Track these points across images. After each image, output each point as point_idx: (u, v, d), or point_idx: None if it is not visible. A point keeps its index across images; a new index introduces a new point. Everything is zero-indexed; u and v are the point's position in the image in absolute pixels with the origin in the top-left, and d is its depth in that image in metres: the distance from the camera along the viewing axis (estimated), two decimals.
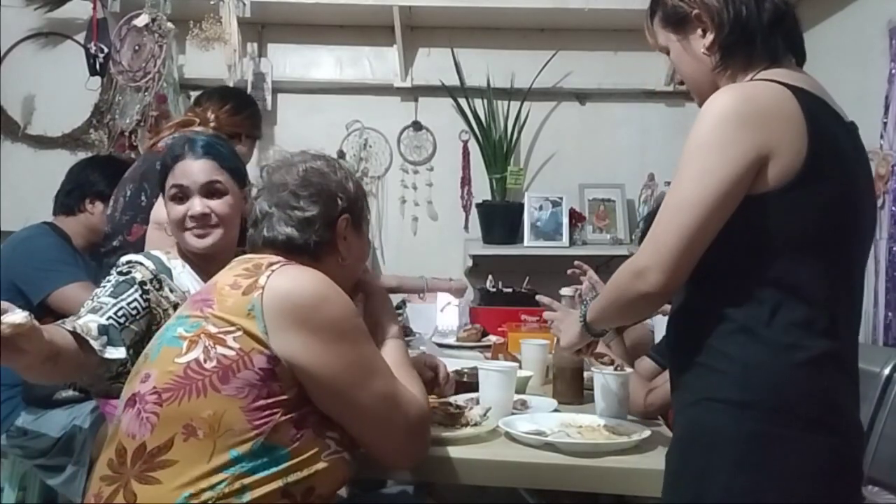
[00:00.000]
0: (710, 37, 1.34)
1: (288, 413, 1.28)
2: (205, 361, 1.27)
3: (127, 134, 3.33)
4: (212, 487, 1.22)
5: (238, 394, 1.25)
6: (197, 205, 1.74)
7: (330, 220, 1.46)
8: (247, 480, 1.24)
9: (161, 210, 1.98)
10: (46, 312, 2.58)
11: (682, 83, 1.45)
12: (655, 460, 1.49)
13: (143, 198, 2.24)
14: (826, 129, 1.26)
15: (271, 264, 1.35)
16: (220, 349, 1.27)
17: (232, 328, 1.29)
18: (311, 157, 1.52)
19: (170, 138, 2.27)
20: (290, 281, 1.32)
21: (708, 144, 1.23)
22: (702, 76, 1.37)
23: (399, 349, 1.53)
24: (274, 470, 1.26)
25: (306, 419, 1.29)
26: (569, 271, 2.25)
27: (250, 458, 1.24)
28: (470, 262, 3.64)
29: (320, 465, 1.29)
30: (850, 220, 1.29)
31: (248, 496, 1.23)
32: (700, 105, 1.39)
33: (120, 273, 1.67)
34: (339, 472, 1.34)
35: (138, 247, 2.16)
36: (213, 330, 1.29)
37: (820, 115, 1.26)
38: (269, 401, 1.26)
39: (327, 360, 1.29)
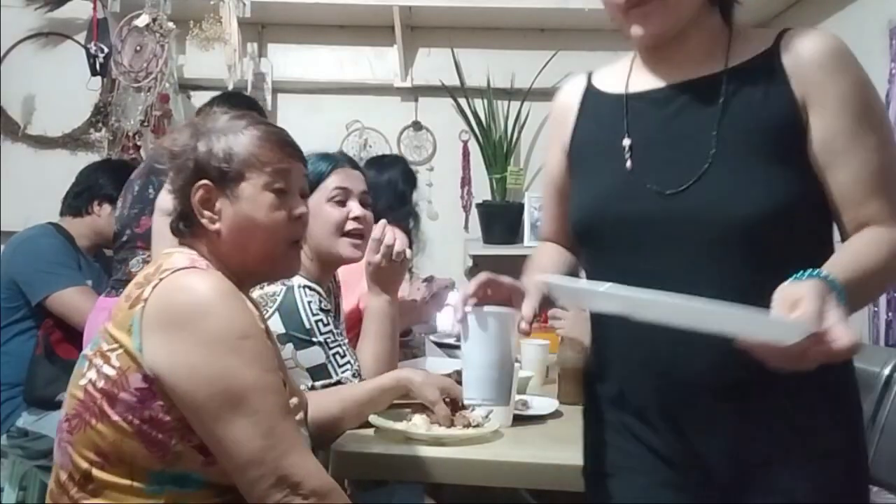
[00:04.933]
0: None
1: (185, 439, 1.14)
2: (97, 381, 1.16)
3: (131, 135, 3.33)
4: None
5: (124, 419, 1.13)
6: (357, 208, 1.79)
7: (185, 191, 1.26)
8: (183, 501, 1.15)
9: (166, 199, 1.98)
10: (45, 314, 2.59)
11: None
12: None
13: (150, 190, 2.24)
14: None
15: (165, 270, 1.19)
16: (106, 367, 1.16)
17: (115, 345, 1.16)
18: (182, 126, 1.34)
19: None
20: (172, 290, 1.16)
21: (867, 80, 1.12)
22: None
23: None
24: (204, 491, 1.17)
25: None
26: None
27: (172, 483, 1.15)
28: (470, 262, 3.64)
29: None
30: None
31: None
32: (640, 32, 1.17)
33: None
34: None
35: (146, 238, 2.15)
36: (104, 347, 1.17)
37: None
38: (157, 427, 1.13)
39: (192, 379, 1.12)
